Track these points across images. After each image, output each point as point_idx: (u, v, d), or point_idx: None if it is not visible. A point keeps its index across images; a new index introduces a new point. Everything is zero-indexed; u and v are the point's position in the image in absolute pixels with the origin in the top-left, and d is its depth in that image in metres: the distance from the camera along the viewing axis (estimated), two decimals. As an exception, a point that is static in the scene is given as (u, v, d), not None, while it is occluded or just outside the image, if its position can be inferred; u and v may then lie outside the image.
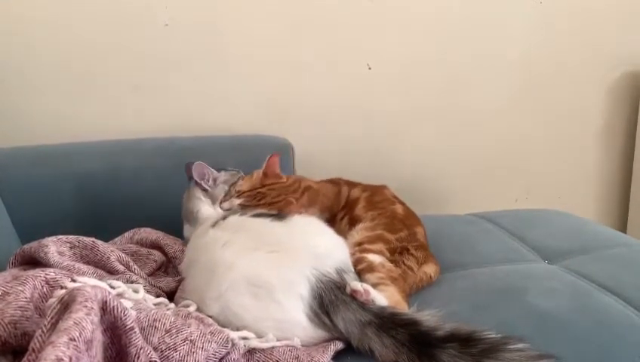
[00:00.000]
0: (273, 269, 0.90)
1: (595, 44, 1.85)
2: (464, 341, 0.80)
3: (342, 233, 1.14)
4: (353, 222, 1.19)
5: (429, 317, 0.86)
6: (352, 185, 1.29)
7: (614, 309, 0.98)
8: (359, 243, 1.09)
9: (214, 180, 1.21)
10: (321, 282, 0.89)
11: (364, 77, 1.70)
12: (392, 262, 1.07)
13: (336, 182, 1.30)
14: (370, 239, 1.10)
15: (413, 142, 1.79)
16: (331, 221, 1.20)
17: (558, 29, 1.81)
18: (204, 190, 1.21)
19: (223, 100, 1.63)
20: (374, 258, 1.04)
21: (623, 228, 1.97)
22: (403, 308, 0.93)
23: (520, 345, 0.80)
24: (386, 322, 0.85)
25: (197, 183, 1.20)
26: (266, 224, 1.02)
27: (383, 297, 0.93)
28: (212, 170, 1.21)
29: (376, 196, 1.25)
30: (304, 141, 1.59)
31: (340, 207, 1.24)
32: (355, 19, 1.66)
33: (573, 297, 1.01)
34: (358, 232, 1.14)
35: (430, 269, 1.10)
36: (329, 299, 0.88)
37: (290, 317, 0.88)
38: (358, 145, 1.74)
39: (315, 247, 0.96)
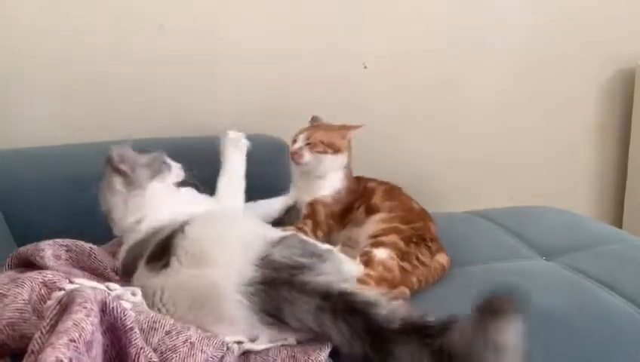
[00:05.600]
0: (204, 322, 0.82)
1: (589, 42, 1.86)
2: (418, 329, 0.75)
3: (359, 221, 1.19)
4: (370, 211, 1.20)
5: (378, 298, 0.80)
6: (368, 179, 1.31)
7: (612, 305, 0.98)
8: (374, 236, 1.11)
9: (134, 161, 1.08)
10: (252, 294, 0.81)
11: (360, 76, 1.70)
12: (405, 253, 1.08)
13: (357, 177, 1.32)
14: (385, 231, 1.12)
15: (410, 141, 1.79)
16: (349, 209, 1.23)
17: (552, 27, 1.82)
18: (125, 175, 1.07)
19: (218, 100, 1.62)
20: (378, 253, 1.06)
21: (618, 224, 1.98)
22: None
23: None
24: (339, 305, 0.78)
25: (115, 169, 1.07)
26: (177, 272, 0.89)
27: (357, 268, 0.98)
28: (132, 151, 1.10)
29: (394, 190, 1.27)
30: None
31: (359, 195, 1.26)
32: (350, 18, 1.66)
33: (571, 294, 1.02)
34: (374, 223, 1.16)
35: (443, 259, 1.13)
36: (271, 305, 0.81)
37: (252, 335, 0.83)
38: (355, 144, 1.72)
39: (227, 259, 0.86)
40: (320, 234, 1.20)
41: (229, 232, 0.93)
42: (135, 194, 1.08)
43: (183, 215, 0.99)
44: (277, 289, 0.81)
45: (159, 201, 1.08)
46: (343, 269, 0.92)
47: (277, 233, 0.95)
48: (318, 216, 1.21)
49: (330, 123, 1.31)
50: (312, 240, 1.02)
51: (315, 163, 1.22)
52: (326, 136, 1.23)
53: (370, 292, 0.82)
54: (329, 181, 1.24)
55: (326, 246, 0.99)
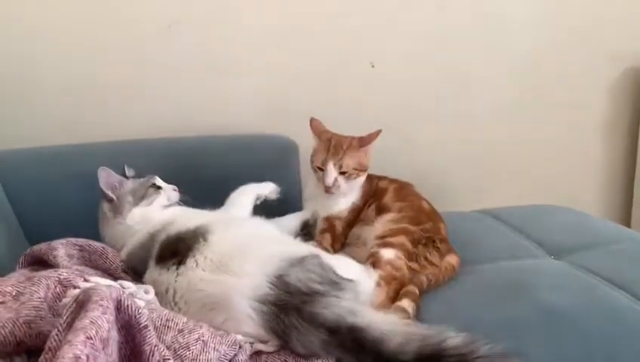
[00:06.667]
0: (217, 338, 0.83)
1: (598, 40, 1.85)
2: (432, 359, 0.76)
3: (369, 219, 1.20)
4: (380, 210, 1.21)
5: (391, 328, 0.81)
6: (379, 178, 1.32)
7: (622, 303, 0.98)
8: (381, 236, 1.12)
9: (120, 188, 1.12)
10: (263, 312, 0.83)
11: (367, 75, 1.71)
12: (412, 254, 1.09)
13: (368, 175, 1.31)
14: (394, 232, 1.12)
15: (418, 140, 1.79)
16: (362, 207, 1.24)
17: (561, 25, 1.81)
18: (110, 200, 1.11)
19: (228, 100, 1.63)
20: (385, 253, 1.07)
21: (627, 223, 1.97)
22: (384, 309, 0.94)
23: (485, 349, 0.76)
24: (347, 342, 0.80)
25: (102, 193, 1.10)
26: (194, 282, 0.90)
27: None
28: (119, 177, 1.13)
29: (405, 189, 1.28)
30: (309, 140, 1.59)
31: (371, 194, 1.27)
32: (358, 17, 1.66)
33: (580, 292, 1.02)
34: (383, 224, 1.16)
35: (453, 260, 1.13)
36: (279, 328, 0.83)
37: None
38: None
39: (244, 272, 0.87)
40: (337, 246, 1.21)
41: (251, 245, 0.94)
42: (117, 222, 1.11)
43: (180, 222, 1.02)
44: (287, 315, 0.82)
45: (140, 226, 1.09)
46: (361, 298, 0.91)
47: (300, 250, 0.94)
48: (335, 230, 1.22)
49: (342, 136, 1.26)
50: (334, 260, 0.98)
51: (349, 188, 1.21)
52: (355, 161, 1.20)
53: (382, 324, 0.81)
54: (348, 196, 1.24)
55: (348, 272, 0.96)
